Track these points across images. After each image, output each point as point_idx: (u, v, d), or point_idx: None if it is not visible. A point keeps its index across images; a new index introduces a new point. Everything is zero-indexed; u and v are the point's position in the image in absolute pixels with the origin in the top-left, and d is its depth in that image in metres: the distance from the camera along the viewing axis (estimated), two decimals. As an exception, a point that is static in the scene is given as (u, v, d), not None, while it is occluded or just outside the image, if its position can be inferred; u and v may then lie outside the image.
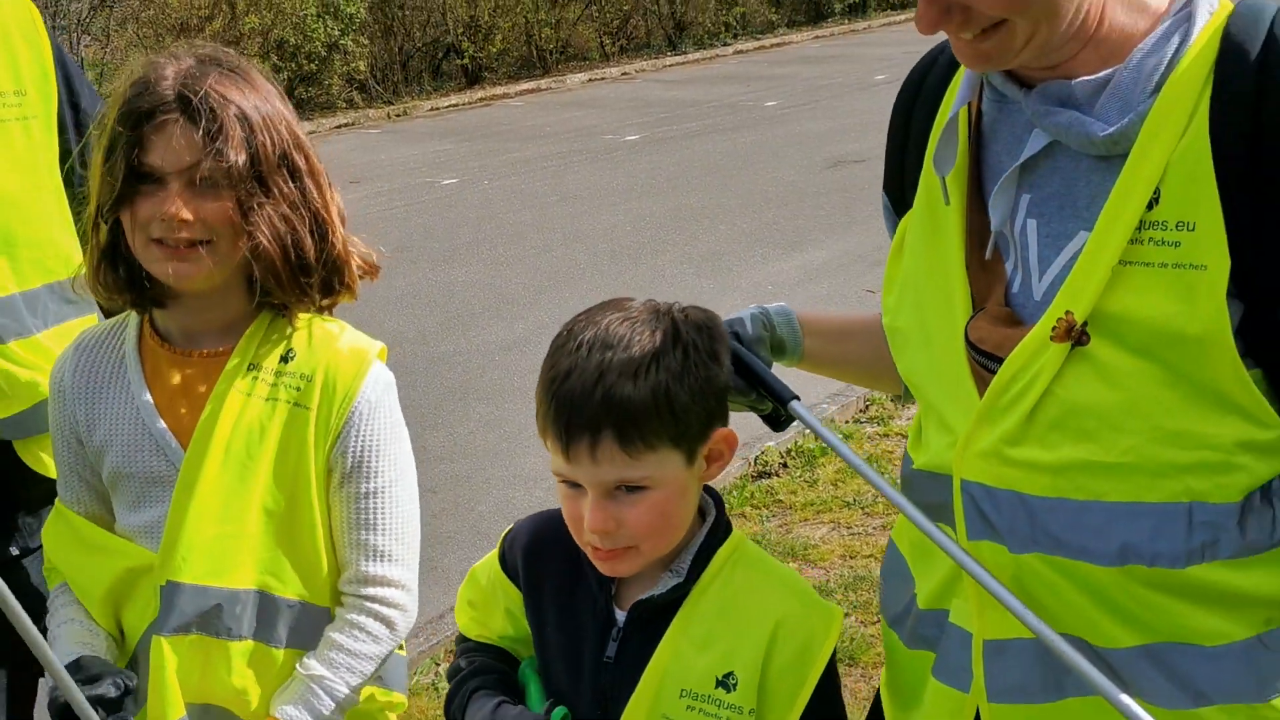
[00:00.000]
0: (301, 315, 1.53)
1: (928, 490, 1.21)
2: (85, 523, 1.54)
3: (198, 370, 1.51)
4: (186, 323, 1.51)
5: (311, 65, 13.89)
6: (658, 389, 1.22)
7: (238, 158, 1.40)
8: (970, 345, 1.15)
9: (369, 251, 1.60)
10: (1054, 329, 1.07)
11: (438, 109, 14.87)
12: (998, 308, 1.14)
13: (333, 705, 1.49)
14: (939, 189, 1.18)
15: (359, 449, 1.51)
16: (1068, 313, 1.07)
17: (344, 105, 14.56)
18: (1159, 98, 1.05)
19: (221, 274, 1.46)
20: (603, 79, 16.36)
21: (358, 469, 1.51)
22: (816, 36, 20.36)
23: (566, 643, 1.36)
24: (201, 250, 1.41)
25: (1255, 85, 1.02)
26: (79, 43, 12.96)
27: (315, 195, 1.50)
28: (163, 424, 1.49)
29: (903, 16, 22.07)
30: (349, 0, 13.95)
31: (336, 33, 13.86)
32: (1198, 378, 1.05)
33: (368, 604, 1.53)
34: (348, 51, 14.10)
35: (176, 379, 1.51)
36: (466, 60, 15.83)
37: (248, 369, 1.49)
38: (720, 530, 1.37)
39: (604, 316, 1.28)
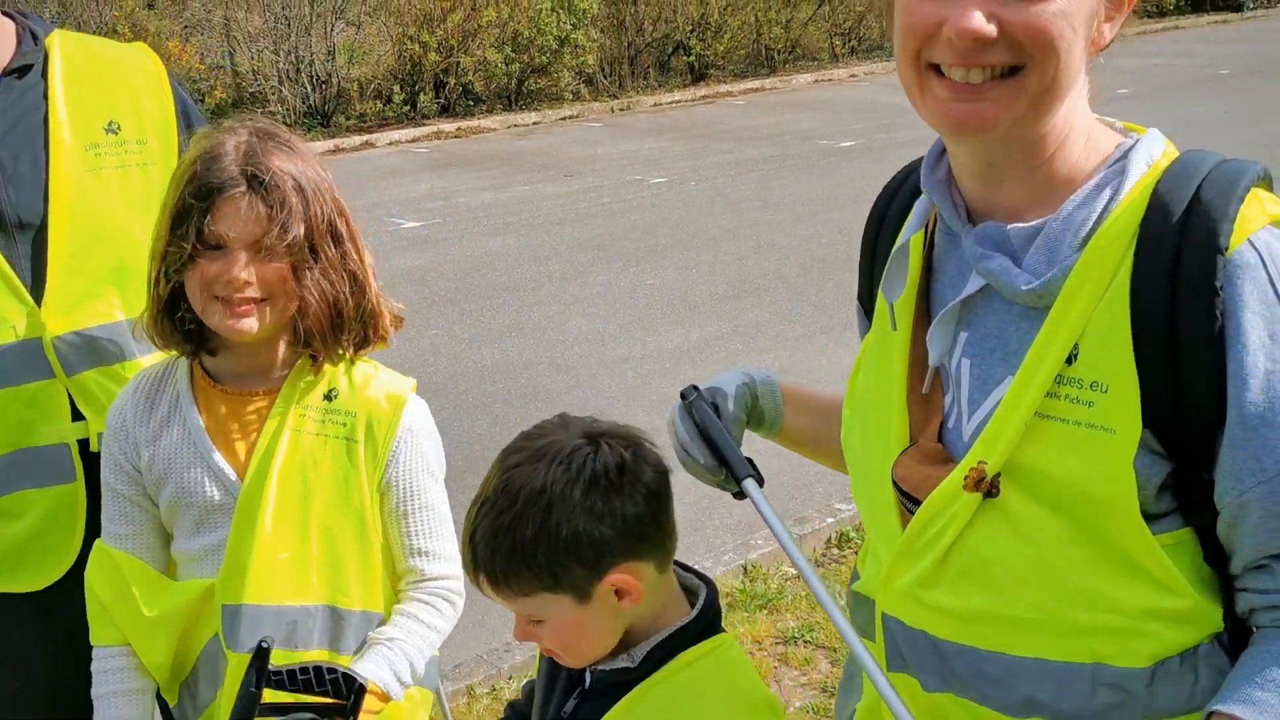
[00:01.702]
0: (338, 358, 1.67)
1: (860, 612, 1.23)
2: (133, 564, 1.69)
3: (247, 407, 1.66)
4: (234, 365, 1.67)
5: (543, 58, 14.36)
6: (526, 543, 1.27)
7: (296, 230, 1.56)
8: (894, 482, 1.15)
9: (397, 305, 1.72)
10: (966, 478, 1.07)
11: (660, 105, 15.10)
12: (929, 444, 1.14)
13: (406, 664, 1.64)
14: (889, 315, 1.19)
15: (406, 474, 1.69)
16: (980, 463, 1.06)
17: (570, 98, 14.98)
18: (1084, 254, 1.03)
19: (272, 328, 1.61)
20: (829, 81, 16.20)
21: (408, 491, 1.69)
22: (1061, 43, 19.44)
23: (545, 688, 1.45)
24: (257, 307, 1.58)
25: (1174, 249, 0.99)
26: (333, 29, 13.86)
27: (354, 256, 1.64)
28: (219, 455, 1.65)
29: (1159, 25, 20.79)
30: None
31: (569, 27, 14.27)
32: (1106, 539, 1.02)
33: (433, 588, 1.72)
34: (578, 45, 14.49)
35: (227, 413, 1.67)
36: (693, 58, 15.99)
37: (295, 407, 1.63)
38: (696, 628, 1.37)
39: (518, 456, 1.33)
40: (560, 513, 1.27)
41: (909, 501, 1.14)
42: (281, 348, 1.66)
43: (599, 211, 9.04)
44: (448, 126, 13.77)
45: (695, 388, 1.45)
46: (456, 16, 13.69)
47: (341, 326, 1.64)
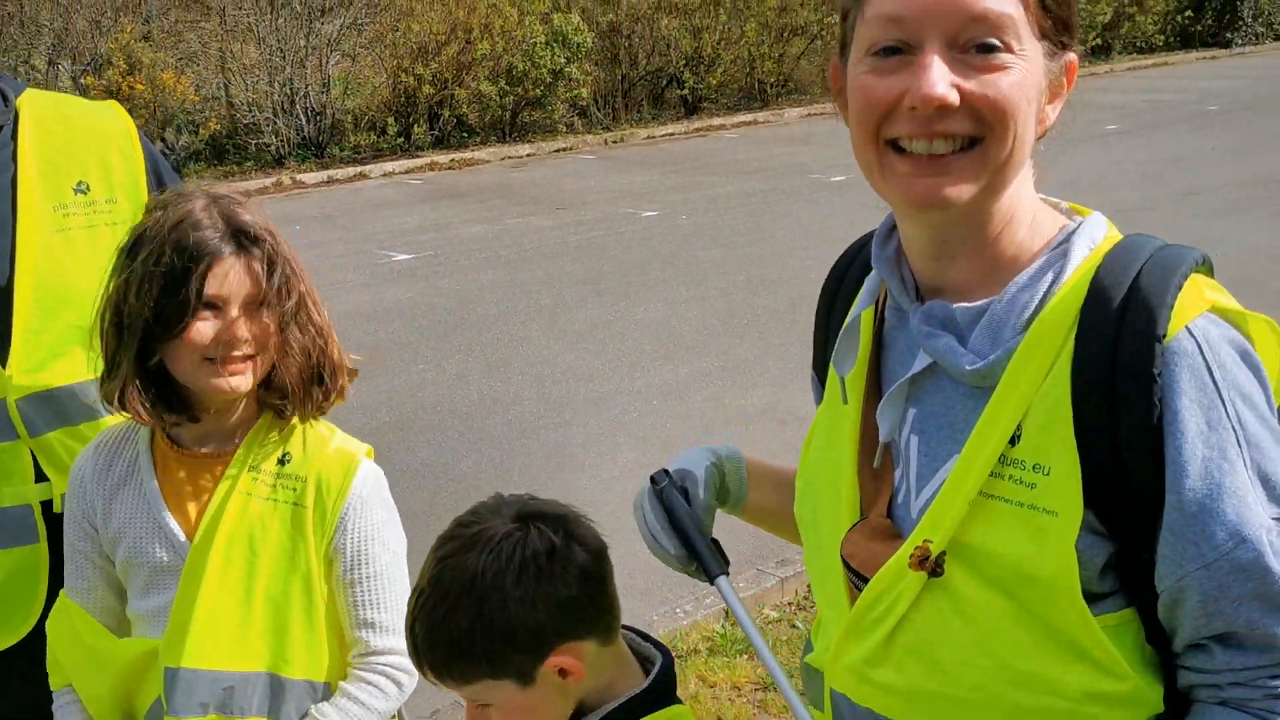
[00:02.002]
0: (296, 420, 1.67)
1: (811, 685, 1.24)
2: (86, 619, 1.69)
3: (204, 469, 1.66)
4: (196, 428, 1.67)
5: (537, 90, 14.45)
6: (461, 635, 1.27)
7: (282, 284, 1.58)
8: (843, 559, 1.16)
9: (352, 358, 1.75)
10: (911, 557, 1.08)
11: (653, 137, 15.19)
12: (878, 519, 1.14)
13: None
14: (839, 388, 1.20)
15: (355, 541, 1.66)
16: (926, 542, 1.07)
17: (564, 130, 15.07)
18: (1026, 337, 1.04)
19: (255, 381, 1.61)
20: (821, 114, 16.28)
21: (356, 558, 1.66)
22: (1052, 78, 19.58)
23: None
24: (249, 363, 1.58)
25: (1114, 335, 1.01)
26: (329, 61, 13.95)
27: (315, 312, 1.63)
28: (170, 518, 1.65)
29: (1149, 61, 20.98)
30: (577, 30, 14.44)
31: (563, 60, 14.37)
32: (1048, 621, 1.03)
33: (379, 666, 1.69)
34: (572, 78, 14.59)
35: (184, 476, 1.67)
36: (686, 91, 16.10)
37: (249, 469, 1.63)
38: (648, 699, 1.36)
39: (444, 549, 1.34)
40: (493, 603, 1.27)
41: (857, 578, 1.15)
42: (241, 408, 1.66)
43: (590, 244, 9.07)
44: (441, 158, 13.83)
45: (666, 472, 1.42)
46: (451, 49, 13.79)
47: (319, 380, 1.65)
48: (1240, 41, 22.76)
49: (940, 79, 0.99)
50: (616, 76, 15.86)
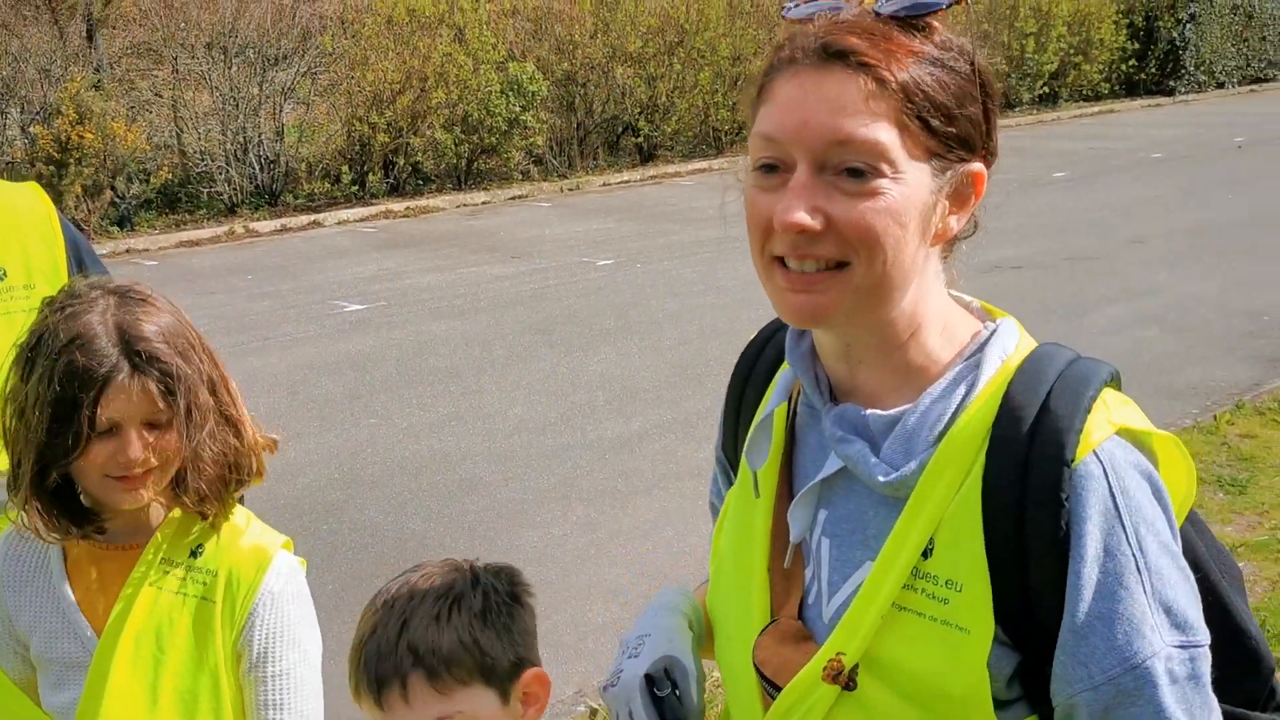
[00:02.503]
0: (223, 514, 1.64)
1: None
2: (11, 689, 1.66)
3: (115, 563, 1.63)
4: (110, 523, 1.63)
5: (492, 138, 14.49)
6: (460, 628, 1.30)
7: (181, 400, 1.54)
8: (755, 665, 1.15)
9: (270, 437, 1.71)
10: (825, 670, 1.07)
11: (609, 185, 15.26)
12: (790, 621, 1.13)
13: None
14: (751, 480, 1.19)
15: (264, 638, 1.63)
16: (838, 654, 1.07)
17: (519, 177, 15.11)
18: (939, 451, 1.04)
19: (161, 488, 1.58)
20: (775, 161, 16.47)
21: (263, 655, 1.63)
22: (1001, 126, 19.87)
23: None
24: (151, 476, 1.56)
25: (1024, 456, 1.01)
26: (282, 109, 13.92)
27: (229, 401, 1.61)
28: (80, 615, 1.61)
29: (1095, 109, 21.42)
30: (532, 78, 14.53)
31: (518, 108, 14.43)
32: None
33: None
34: (528, 126, 14.65)
35: (95, 573, 1.63)
36: (642, 139, 16.22)
37: (160, 563, 1.60)
38: None
39: (403, 577, 1.38)
40: (495, 598, 1.35)
41: (769, 685, 1.14)
42: (158, 503, 1.63)
43: (545, 294, 9.07)
44: (396, 206, 13.81)
45: (669, 676, 1.21)
46: (406, 98, 13.81)
47: (230, 481, 1.62)
48: (1183, 90, 23.32)
49: (800, 205, 1.00)
50: (572, 124, 15.94)
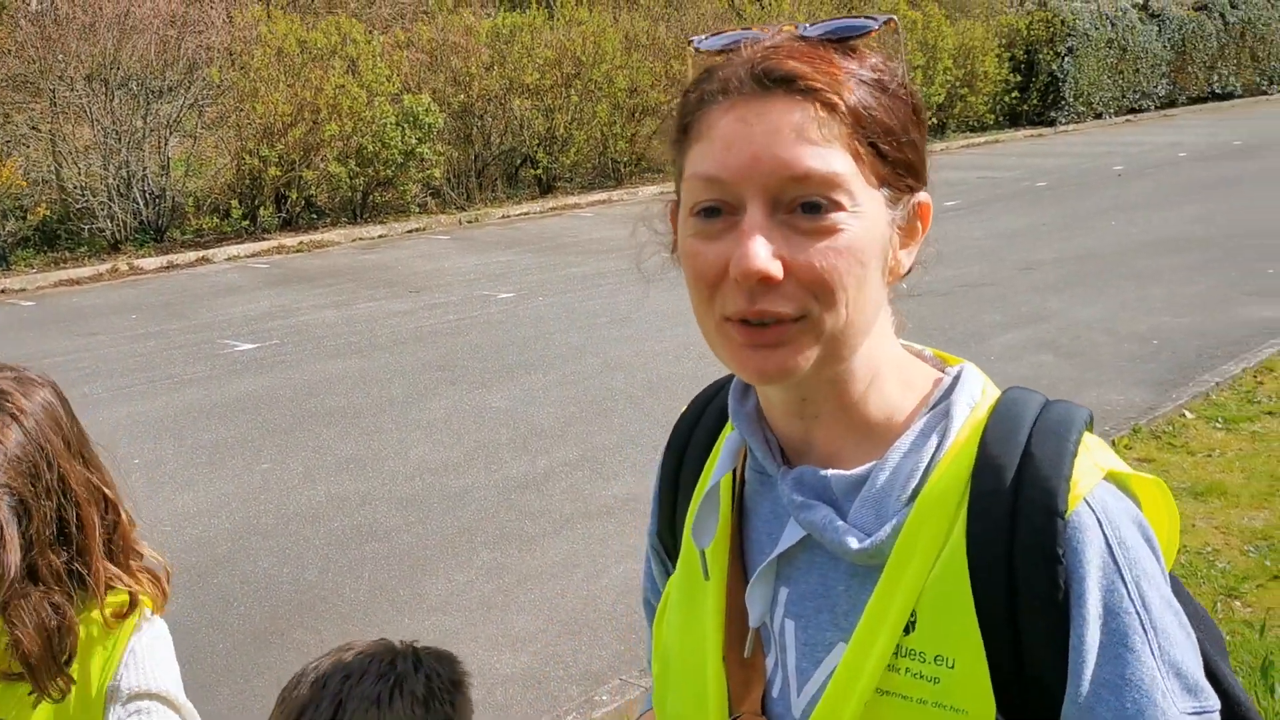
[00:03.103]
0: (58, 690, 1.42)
1: None
2: None
3: None
4: None
5: (388, 171, 14.26)
6: (402, 713, 1.22)
7: (9, 559, 1.33)
8: None
9: (162, 569, 1.52)
10: None
11: (509, 216, 15.13)
12: (754, 717, 1.01)
13: None
14: (698, 561, 1.07)
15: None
16: None
17: (417, 210, 14.89)
18: (914, 510, 0.94)
19: None
20: (673, 192, 16.52)
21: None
22: (893, 156, 20.35)
23: None
24: None
25: (1009, 511, 0.91)
26: (167, 142, 13.49)
27: (99, 486, 1.44)
28: None
29: (981, 139, 22.04)
30: (428, 110, 14.35)
31: (414, 141, 14.23)
32: None
33: None
34: (425, 158, 14.45)
35: None
36: (541, 170, 16.14)
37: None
38: None
39: (333, 656, 1.29)
40: (437, 682, 1.29)
41: None
42: None
43: (445, 329, 8.89)
44: (289, 240, 13.47)
45: None
46: (298, 130, 13.51)
47: (64, 659, 1.40)
48: (1064, 120, 24.16)
49: (760, 251, 0.89)
50: (470, 156, 15.79)
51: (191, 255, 12.83)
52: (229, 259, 12.87)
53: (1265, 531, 4.64)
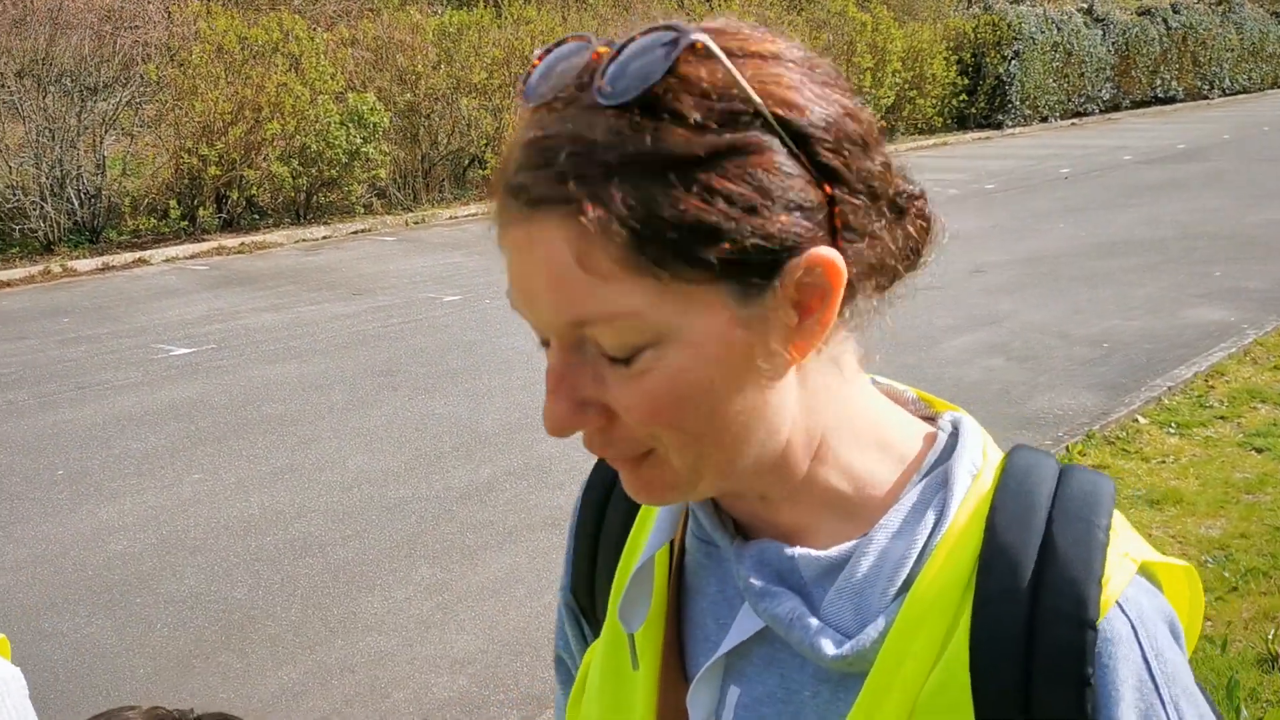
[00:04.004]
0: None
1: None
2: None
3: None
4: None
5: (332, 171, 13.97)
6: None
7: None
8: None
9: None
10: None
11: (456, 218, 14.89)
12: None
13: None
14: (625, 645, 0.87)
15: None
16: None
17: (362, 210, 14.61)
18: (905, 606, 0.75)
19: None
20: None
21: None
22: (843, 158, 20.36)
23: None
24: None
25: (1027, 611, 0.73)
26: (103, 141, 13.10)
27: None
28: None
29: (930, 141, 22.13)
30: (373, 110, 14.08)
31: (359, 140, 13.95)
32: None
33: None
34: (370, 158, 14.18)
35: None
36: (489, 171, 15.91)
37: None
38: None
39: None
40: None
41: None
42: None
43: (388, 333, 8.66)
44: (230, 242, 13.14)
45: None
46: (239, 129, 13.18)
47: None
48: (1010, 123, 24.33)
49: (558, 407, 0.72)
50: (417, 156, 15.53)
51: (128, 256, 12.47)
52: (167, 260, 12.52)
53: (1222, 541, 4.58)
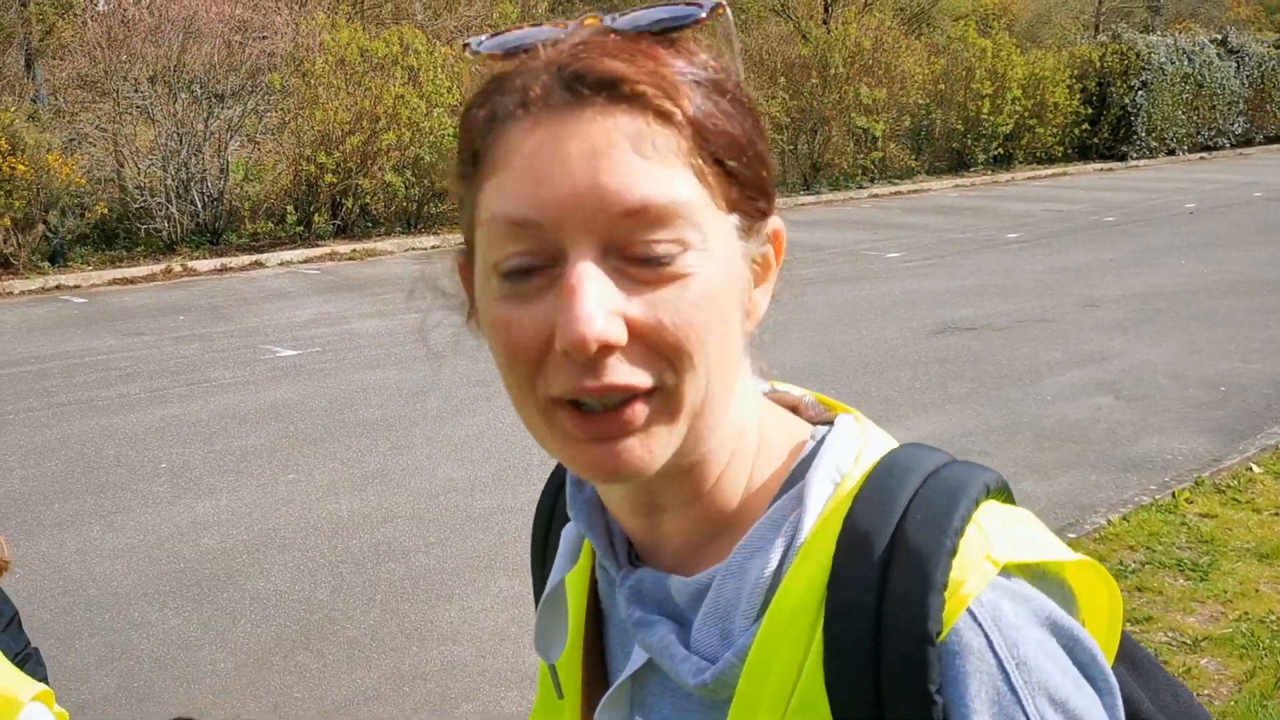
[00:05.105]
0: None
1: None
2: None
3: None
4: None
5: (445, 183, 14.20)
6: None
7: None
8: None
9: None
10: None
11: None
12: None
13: None
14: (550, 675, 0.88)
15: None
16: None
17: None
18: (762, 629, 0.72)
19: None
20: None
21: None
22: (956, 185, 20.02)
23: None
24: None
25: (873, 624, 0.69)
26: (227, 146, 13.57)
27: None
28: None
29: (1048, 171, 21.59)
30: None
31: (471, 153, 14.18)
32: None
33: None
34: (480, 171, 14.40)
35: None
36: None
37: None
38: None
39: None
40: None
41: None
42: None
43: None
44: (342, 248, 13.48)
45: None
46: (356, 139, 13.53)
47: None
48: (1134, 155, 23.61)
49: (596, 311, 0.67)
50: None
51: (245, 259, 12.88)
52: (281, 264, 12.90)
53: (1337, 600, 4.31)
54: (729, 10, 0.74)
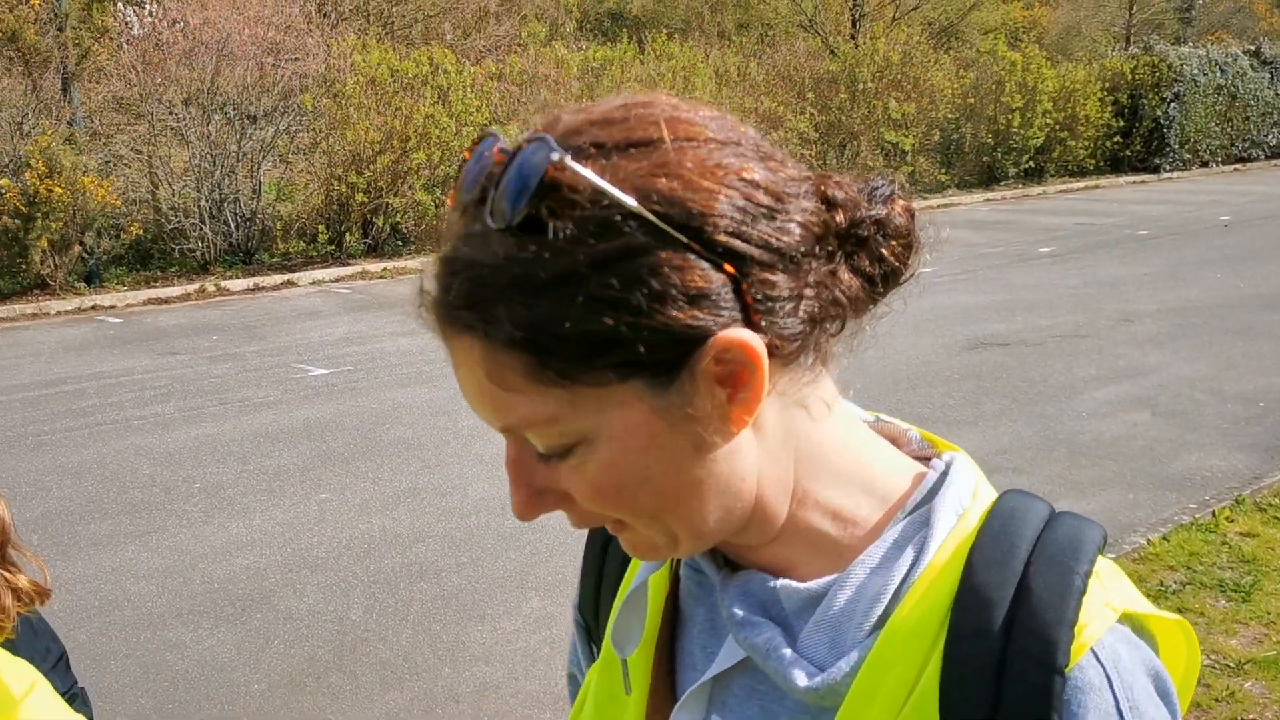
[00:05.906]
0: None
1: None
2: None
3: None
4: None
5: (474, 200, 14.30)
6: None
7: None
8: None
9: (27, 580, 1.43)
10: None
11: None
12: None
13: None
14: (619, 669, 0.89)
15: None
16: None
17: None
18: (879, 642, 0.75)
19: None
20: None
21: None
22: (987, 199, 19.91)
23: None
24: None
25: (998, 657, 0.72)
26: (260, 167, 13.70)
27: None
28: None
29: (1080, 184, 21.43)
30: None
31: (500, 171, 14.26)
32: None
33: None
34: (510, 189, 14.47)
35: None
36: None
37: None
38: None
39: None
40: None
41: None
42: None
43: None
44: (373, 266, 13.57)
45: None
46: (386, 158, 13.63)
47: None
48: (1168, 167, 23.40)
49: (520, 494, 0.76)
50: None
51: (277, 278, 12.98)
52: (313, 283, 12.99)
53: (1384, 622, 4.23)
54: (568, 166, 0.67)
